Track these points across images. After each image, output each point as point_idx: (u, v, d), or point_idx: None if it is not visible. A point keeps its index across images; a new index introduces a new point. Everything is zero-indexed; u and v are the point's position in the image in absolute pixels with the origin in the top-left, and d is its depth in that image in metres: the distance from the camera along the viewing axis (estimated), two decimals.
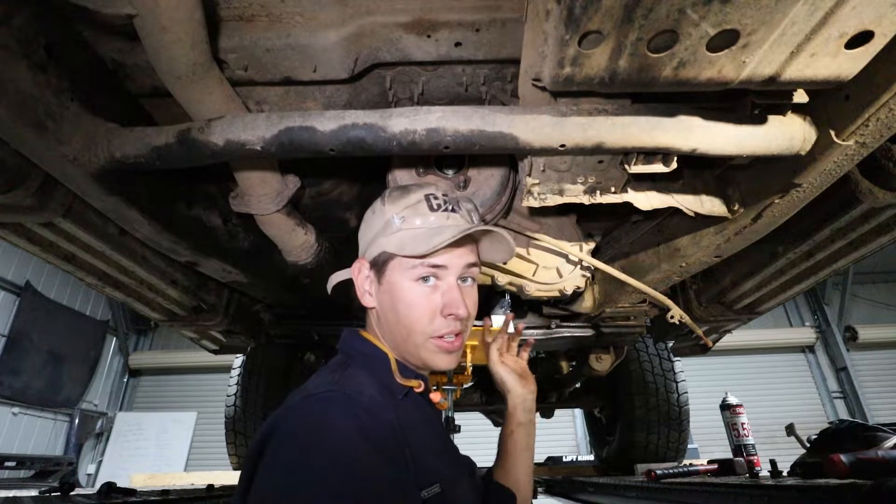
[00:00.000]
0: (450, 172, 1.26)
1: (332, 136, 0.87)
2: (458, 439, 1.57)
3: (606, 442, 3.53)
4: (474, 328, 1.70)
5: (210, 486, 2.42)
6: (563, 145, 0.87)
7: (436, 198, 0.83)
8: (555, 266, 1.51)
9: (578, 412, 8.20)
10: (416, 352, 0.81)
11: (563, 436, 8.60)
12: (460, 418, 1.80)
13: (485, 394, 3.55)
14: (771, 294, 1.78)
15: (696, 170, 1.21)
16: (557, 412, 3.89)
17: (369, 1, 0.95)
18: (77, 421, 8.15)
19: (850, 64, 0.67)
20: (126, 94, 1.08)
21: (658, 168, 0.95)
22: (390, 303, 0.82)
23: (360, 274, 0.86)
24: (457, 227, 0.79)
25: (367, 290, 0.85)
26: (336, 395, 0.66)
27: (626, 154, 0.97)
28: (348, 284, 0.89)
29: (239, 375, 3.13)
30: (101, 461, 8.33)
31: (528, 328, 2.07)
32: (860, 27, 0.60)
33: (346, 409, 0.64)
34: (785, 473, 1.62)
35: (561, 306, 1.91)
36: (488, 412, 3.94)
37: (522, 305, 2.04)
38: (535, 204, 1.08)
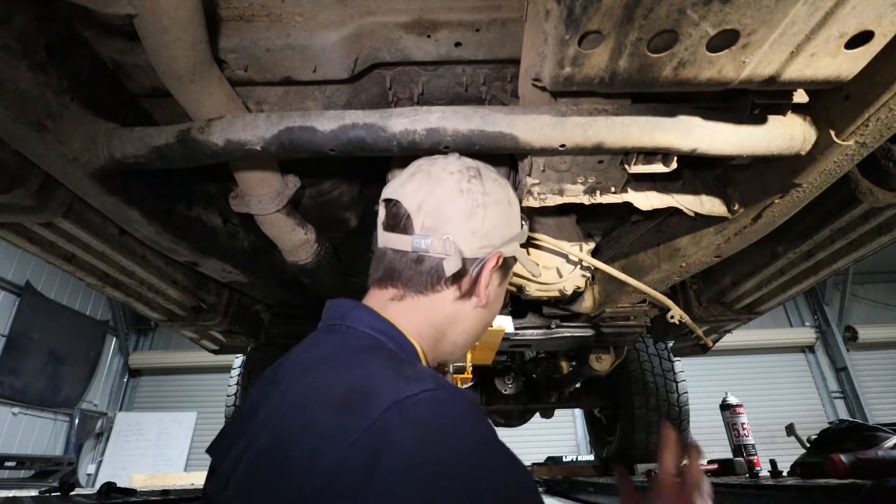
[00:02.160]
0: None
1: (332, 136, 0.87)
2: None
3: (606, 442, 3.53)
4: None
5: None
6: (563, 145, 0.87)
7: None
8: (555, 266, 1.51)
9: (578, 412, 8.20)
10: (470, 345, 0.82)
11: (563, 436, 8.60)
12: None
13: (485, 394, 3.56)
14: (771, 294, 1.78)
15: (696, 170, 1.21)
16: (557, 412, 3.90)
17: (369, 1, 0.95)
18: (77, 421, 8.15)
19: (850, 64, 0.67)
20: (126, 94, 1.08)
21: (658, 168, 0.95)
22: (495, 302, 0.80)
23: (494, 266, 0.74)
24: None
25: (489, 283, 0.75)
26: (443, 393, 0.52)
27: (626, 154, 0.97)
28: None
29: (239, 375, 3.14)
30: (101, 461, 8.34)
31: (528, 328, 2.07)
32: (860, 27, 0.60)
33: (465, 409, 0.52)
34: (785, 473, 1.62)
35: (561, 306, 1.91)
36: (488, 412, 3.94)
37: (522, 305, 2.04)
38: (535, 204, 1.08)
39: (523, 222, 0.82)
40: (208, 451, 0.69)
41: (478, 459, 0.48)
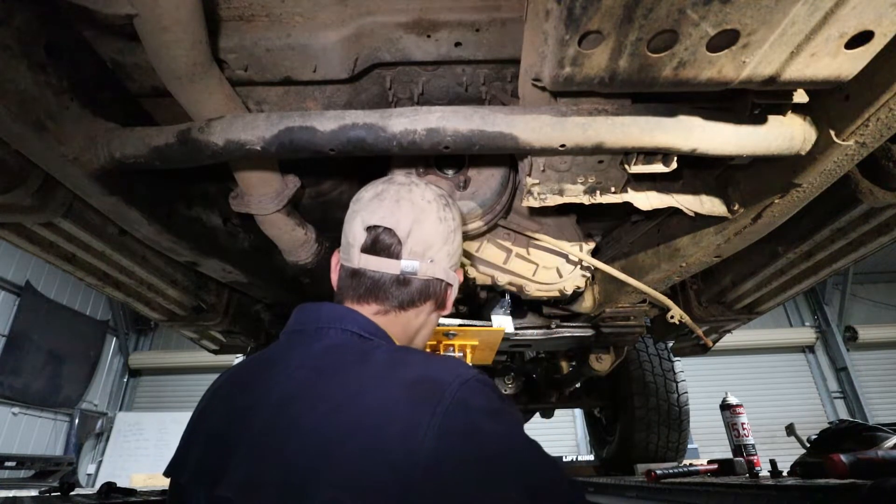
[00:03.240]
0: (450, 172, 1.26)
1: (332, 136, 0.87)
2: None
3: (606, 442, 3.52)
4: (474, 328, 1.70)
5: None
6: (563, 145, 0.87)
7: None
8: (555, 266, 1.51)
9: (578, 412, 8.20)
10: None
11: (563, 436, 8.60)
12: None
13: None
14: (771, 294, 1.78)
15: (696, 170, 1.21)
16: (557, 412, 3.88)
17: (369, 1, 0.95)
18: (77, 421, 8.15)
19: (850, 64, 0.67)
20: (126, 94, 1.08)
21: (658, 168, 0.95)
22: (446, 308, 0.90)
23: (461, 281, 0.90)
24: None
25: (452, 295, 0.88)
26: (479, 372, 0.67)
27: (626, 154, 0.97)
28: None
29: None
30: (101, 461, 8.33)
31: (528, 328, 2.07)
32: (860, 27, 0.60)
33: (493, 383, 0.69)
34: (785, 473, 1.62)
35: (561, 306, 1.91)
36: None
37: (522, 305, 2.04)
38: (535, 204, 1.08)
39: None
40: (171, 472, 0.69)
41: (516, 416, 0.67)
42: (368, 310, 0.79)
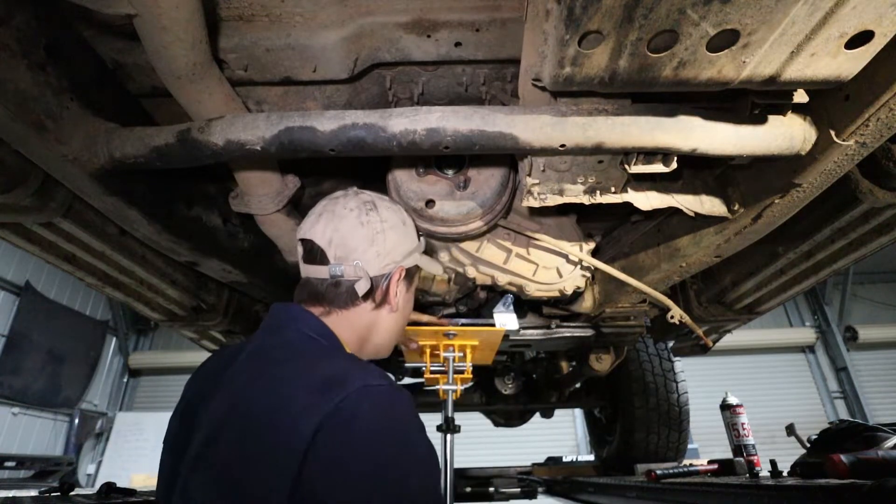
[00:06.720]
0: (450, 172, 1.26)
1: (332, 136, 0.87)
2: (457, 440, 1.57)
3: (606, 442, 3.52)
4: (474, 328, 1.70)
5: None
6: (563, 145, 0.87)
7: None
8: (555, 266, 1.51)
9: (578, 412, 8.19)
10: (393, 343, 0.98)
11: (563, 436, 8.60)
12: (459, 418, 1.81)
13: (484, 394, 3.55)
14: (771, 294, 1.78)
15: (696, 170, 1.21)
16: (557, 412, 3.89)
17: (369, 1, 0.95)
18: (77, 421, 8.14)
19: (850, 64, 0.67)
20: (126, 94, 1.08)
21: (658, 168, 0.95)
22: (407, 307, 0.97)
23: (400, 279, 0.93)
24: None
25: (398, 292, 0.93)
26: (395, 388, 0.72)
27: (626, 154, 0.97)
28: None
29: None
30: (101, 461, 8.32)
31: (528, 328, 2.07)
32: (860, 27, 0.60)
33: (409, 403, 0.73)
34: (785, 473, 1.62)
35: (561, 306, 1.91)
36: (488, 412, 3.94)
37: (522, 305, 2.04)
38: (535, 204, 1.08)
39: (420, 236, 1.00)
40: (164, 448, 0.80)
41: (411, 436, 0.70)
42: (316, 311, 0.88)
